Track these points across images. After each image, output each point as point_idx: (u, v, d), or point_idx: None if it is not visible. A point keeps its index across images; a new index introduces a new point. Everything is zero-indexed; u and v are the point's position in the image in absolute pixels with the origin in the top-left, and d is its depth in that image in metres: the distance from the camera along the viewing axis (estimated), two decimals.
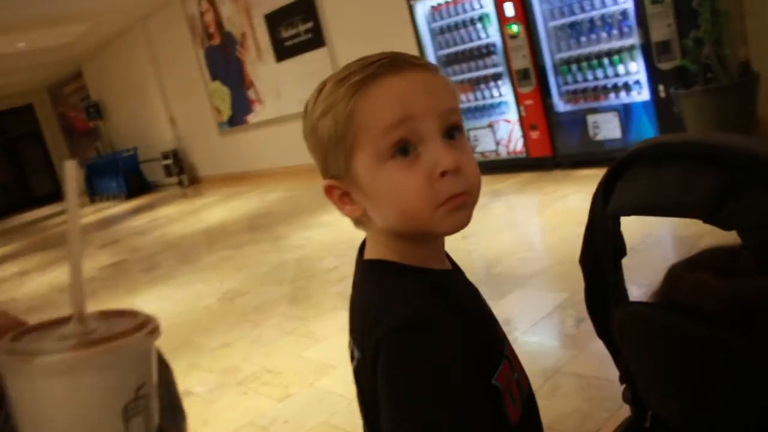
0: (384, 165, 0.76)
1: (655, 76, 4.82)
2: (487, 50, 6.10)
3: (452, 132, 0.78)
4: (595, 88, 5.38)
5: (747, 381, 0.81)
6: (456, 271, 0.90)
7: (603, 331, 1.08)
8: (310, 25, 8.76)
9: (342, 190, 0.82)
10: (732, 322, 0.85)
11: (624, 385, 1.08)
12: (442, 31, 6.44)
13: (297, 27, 8.99)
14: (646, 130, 4.99)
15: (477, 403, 0.73)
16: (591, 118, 5.36)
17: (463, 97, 6.40)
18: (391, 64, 0.77)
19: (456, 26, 6.29)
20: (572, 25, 5.40)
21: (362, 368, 0.79)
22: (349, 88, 0.77)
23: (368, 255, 0.86)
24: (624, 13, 5.03)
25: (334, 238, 5.19)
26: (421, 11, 6.46)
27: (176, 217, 9.03)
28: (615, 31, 5.14)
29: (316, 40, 8.77)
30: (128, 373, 0.39)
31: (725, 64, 4.29)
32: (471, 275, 0.93)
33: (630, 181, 0.91)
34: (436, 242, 0.84)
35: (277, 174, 10.02)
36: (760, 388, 0.80)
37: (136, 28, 12.15)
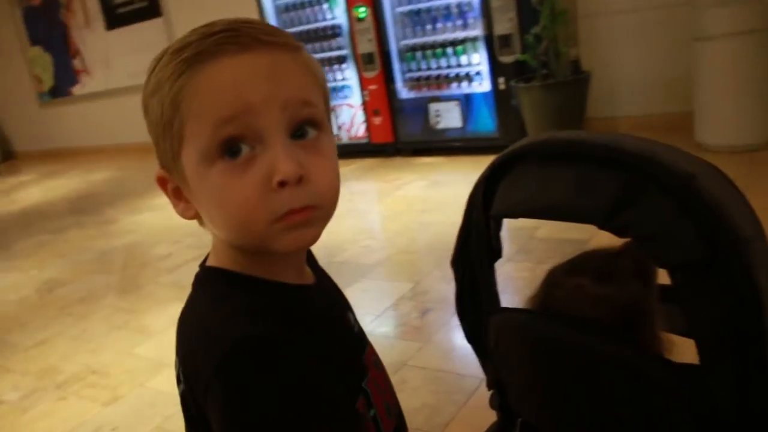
0: (211, 165, 0.61)
1: (496, 68, 4.97)
2: (333, 32, 6.00)
3: (303, 129, 0.63)
4: (438, 77, 5.45)
5: (621, 389, 0.78)
6: (317, 285, 0.77)
7: (473, 336, 1.02)
8: None
9: (174, 183, 0.67)
10: (607, 329, 0.82)
11: (491, 391, 1.02)
12: (287, 8, 6.24)
13: None
14: (486, 120, 5.14)
15: (330, 416, 0.62)
16: (433, 107, 5.43)
17: None
18: (233, 38, 0.61)
19: (302, 5, 6.13)
20: (419, 13, 5.43)
21: (188, 397, 0.65)
22: (179, 64, 0.61)
23: (210, 261, 0.71)
24: (469, 5, 5.13)
25: (167, 224, 4.86)
26: None
27: None
28: (460, 22, 5.24)
29: (151, 8, 8.20)
30: None
31: (560, 62, 4.51)
32: None
33: (516, 180, 0.83)
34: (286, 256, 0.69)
35: (106, 152, 9.30)
36: (634, 395, 0.76)
37: None
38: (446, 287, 2.75)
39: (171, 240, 4.44)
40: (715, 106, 4.13)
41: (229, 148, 0.61)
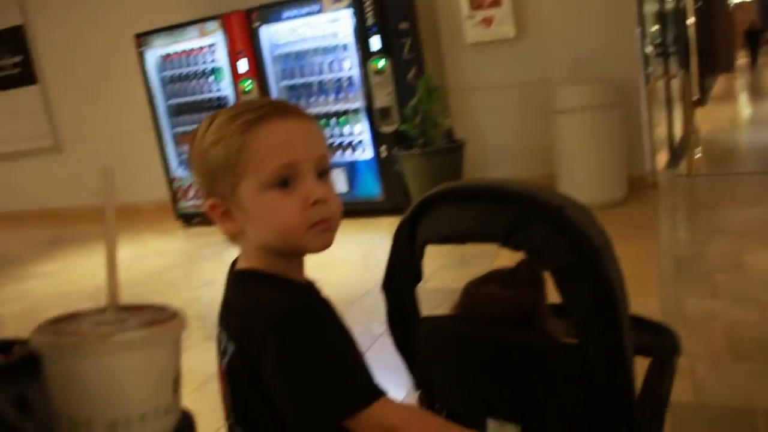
0: (266, 192, 0.91)
1: (377, 137, 5.37)
2: (219, 103, 6.19)
3: (323, 172, 0.95)
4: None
5: (526, 366, 1.06)
6: (314, 284, 1.03)
7: (402, 344, 1.27)
8: (18, 59, 8.00)
9: (223, 208, 0.95)
10: (512, 323, 1.11)
11: (419, 391, 1.28)
12: (173, 80, 6.39)
13: (3, 59, 8.14)
14: (370, 185, 5.50)
15: (357, 356, 0.90)
16: None
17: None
18: (278, 109, 0.93)
19: (188, 77, 6.30)
20: (304, 86, 5.77)
21: (238, 359, 0.92)
22: (242, 124, 0.90)
23: (241, 266, 0.99)
24: (350, 80, 5.54)
25: (58, 290, 4.78)
26: (151, 57, 6.35)
27: None
28: (342, 95, 5.63)
29: (26, 75, 8.03)
30: (175, 350, 0.45)
31: (437, 131, 4.98)
32: None
33: (436, 217, 1.12)
34: (299, 259, 0.99)
35: None
36: (535, 370, 1.05)
37: None
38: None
39: (66, 306, 4.36)
40: (573, 169, 4.74)
41: (282, 182, 0.92)
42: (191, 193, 6.36)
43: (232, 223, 0.96)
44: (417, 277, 1.21)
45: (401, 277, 1.22)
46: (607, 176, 4.73)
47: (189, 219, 6.45)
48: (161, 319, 0.44)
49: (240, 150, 0.90)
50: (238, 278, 0.99)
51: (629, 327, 0.96)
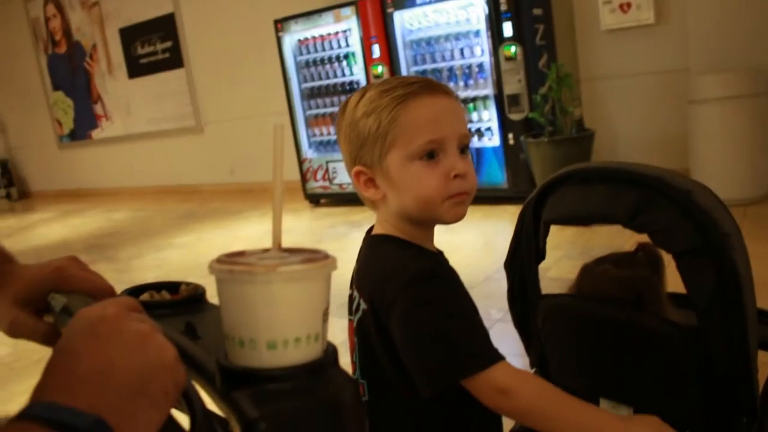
0: (412, 162, 0.98)
1: (505, 124, 5.34)
2: (351, 87, 6.37)
3: (464, 148, 1.01)
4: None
5: (641, 346, 1.07)
6: (442, 254, 1.09)
7: (521, 322, 1.31)
8: (168, 44, 8.62)
9: (368, 176, 1.02)
10: (626, 303, 1.12)
11: (535, 369, 1.31)
12: (308, 64, 6.64)
13: (154, 45, 8.80)
14: (496, 173, 5.48)
15: (479, 321, 0.96)
16: None
17: (324, 129, 6.62)
18: (428, 86, 1.00)
19: (322, 61, 6.52)
20: (434, 72, 5.83)
21: (370, 317, 0.99)
22: (394, 98, 0.98)
23: (377, 231, 1.06)
24: (480, 66, 5.53)
25: (192, 260, 5.14)
26: (288, 42, 6.63)
27: (5, 232, 8.36)
28: (471, 81, 5.64)
29: (174, 60, 8.63)
30: (326, 286, 0.52)
31: (566, 120, 4.89)
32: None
33: (561, 197, 1.14)
34: (431, 230, 1.05)
35: (121, 194, 9.64)
36: (651, 351, 1.05)
37: None
38: None
39: (198, 276, 4.70)
40: (709, 163, 4.49)
41: (428, 154, 0.99)
42: (320, 174, 6.61)
43: (375, 190, 1.02)
44: (540, 255, 1.24)
45: (524, 255, 1.25)
46: (747, 171, 4.44)
47: (316, 199, 6.72)
48: (317, 258, 0.52)
49: (392, 122, 0.97)
50: (374, 242, 1.06)
51: (754, 317, 0.95)
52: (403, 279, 0.95)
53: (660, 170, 1.03)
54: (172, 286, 0.77)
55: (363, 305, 1.01)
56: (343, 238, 5.10)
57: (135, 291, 0.75)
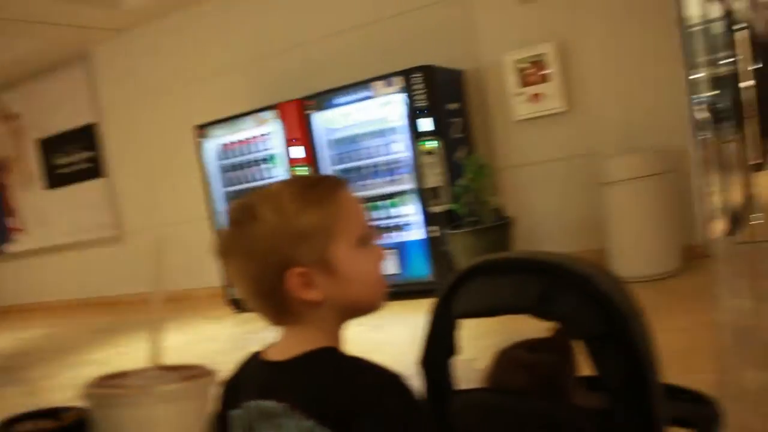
0: (358, 250, 0.99)
1: (428, 217, 5.43)
2: None
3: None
4: (376, 228, 5.84)
5: None
6: None
7: (440, 419, 1.28)
8: (90, 154, 8.50)
9: (306, 278, 0.95)
10: (536, 391, 1.12)
11: None
12: (233, 167, 6.64)
13: (74, 155, 8.66)
14: (421, 266, 5.52)
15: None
16: None
17: None
18: (338, 180, 1.04)
19: (247, 164, 6.54)
20: (356, 169, 5.93)
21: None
22: (326, 189, 0.99)
23: (303, 348, 0.98)
24: (401, 161, 5.66)
25: None
26: (210, 147, 6.65)
27: None
28: (394, 177, 5.75)
29: (95, 169, 8.50)
30: (205, 404, 0.49)
31: (486, 209, 5.02)
32: None
33: (469, 290, 1.15)
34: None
35: (35, 309, 9.18)
36: None
37: None
38: None
39: None
40: (624, 241, 4.69)
41: (365, 242, 1.00)
42: None
43: (316, 291, 0.96)
44: (452, 351, 1.23)
45: (437, 351, 1.25)
46: (660, 247, 4.65)
47: (239, 304, 6.56)
48: (197, 374, 0.49)
49: (336, 211, 0.98)
50: (310, 359, 0.97)
51: (661, 397, 0.96)
52: (378, 383, 0.91)
53: (562, 257, 1.05)
54: (54, 412, 0.72)
55: (292, 422, 0.92)
56: (265, 342, 4.93)
57: (11, 422, 0.70)
